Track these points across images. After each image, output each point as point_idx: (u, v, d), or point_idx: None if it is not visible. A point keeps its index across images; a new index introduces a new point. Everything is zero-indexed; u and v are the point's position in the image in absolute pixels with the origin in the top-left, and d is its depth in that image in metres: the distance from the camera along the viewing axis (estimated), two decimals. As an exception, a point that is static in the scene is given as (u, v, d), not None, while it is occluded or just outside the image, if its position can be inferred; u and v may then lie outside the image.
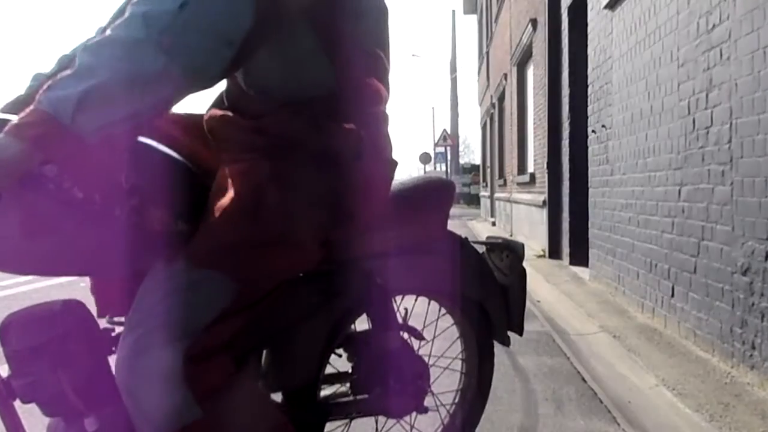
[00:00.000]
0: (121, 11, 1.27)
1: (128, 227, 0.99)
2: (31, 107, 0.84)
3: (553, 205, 6.80)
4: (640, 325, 3.67)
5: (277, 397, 1.27)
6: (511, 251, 1.51)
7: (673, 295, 3.44)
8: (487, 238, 1.58)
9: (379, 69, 1.18)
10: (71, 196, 0.94)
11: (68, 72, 0.85)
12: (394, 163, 1.23)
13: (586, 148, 5.42)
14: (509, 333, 1.55)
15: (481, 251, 1.53)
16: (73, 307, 1.05)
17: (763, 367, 2.46)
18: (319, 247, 1.11)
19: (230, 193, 1.04)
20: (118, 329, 1.11)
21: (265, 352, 1.24)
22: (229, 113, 1.13)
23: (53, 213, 0.93)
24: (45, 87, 0.84)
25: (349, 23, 1.10)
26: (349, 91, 1.12)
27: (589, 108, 5.35)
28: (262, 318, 1.09)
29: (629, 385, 2.68)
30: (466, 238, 1.48)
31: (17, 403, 1.00)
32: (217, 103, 1.21)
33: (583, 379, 2.76)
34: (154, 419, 0.93)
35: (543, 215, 7.27)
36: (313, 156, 1.07)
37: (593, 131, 5.18)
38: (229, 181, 1.06)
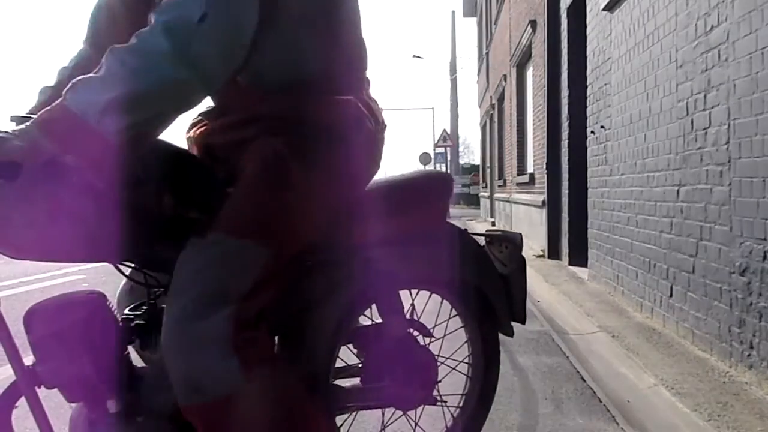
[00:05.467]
0: (93, 19, 1.32)
1: (145, 216, 1.05)
2: (57, 103, 0.89)
3: (552, 205, 6.81)
4: (639, 324, 3.68)
5: None
6: (509, 242, 1.54)
7: (671, 295, 3.45)
8: (486, 231, 1.61)
9: (355, 35, 1.23)
10: (92, 185, 0.99)
11: (96, 75, 0.90)
12: (384, 125, 1.29)
13: (585, 148, 5.43)
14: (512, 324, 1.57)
15: (481, 244, 1.56)
16: (94, 296, 1.10)
17: (761, 367, 2.48)
18: (333, 216, 1.18)
19: (251, 168, 1.10)
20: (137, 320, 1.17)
21: (276, 339, 1.27)
22: (208, 127, 1.22)
23: (75, 201, 0.99)
24: (70, 85, 0.90)
25: None
26: (338, 58, 1.17)
27: (588, 109, 5.36)
28: (277, 302, 1.13)
29: (628, 384, 2.69)
30: (466, 229, 1.51)
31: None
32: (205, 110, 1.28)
33: (582, 379, 2.77)
34: (200, 385, 0.95)
35: (542, 215, 7.28)
36: (321, 130, 1.14)
37: (592, 132, 5.19)
38: (247, 161, 1.12)
